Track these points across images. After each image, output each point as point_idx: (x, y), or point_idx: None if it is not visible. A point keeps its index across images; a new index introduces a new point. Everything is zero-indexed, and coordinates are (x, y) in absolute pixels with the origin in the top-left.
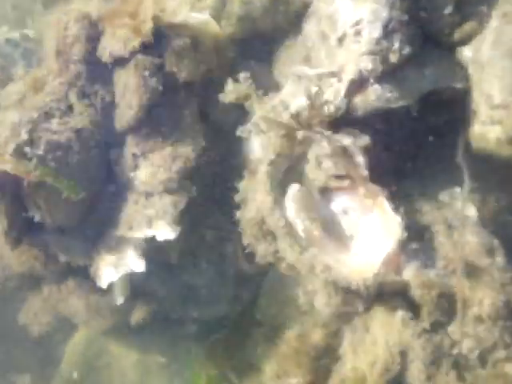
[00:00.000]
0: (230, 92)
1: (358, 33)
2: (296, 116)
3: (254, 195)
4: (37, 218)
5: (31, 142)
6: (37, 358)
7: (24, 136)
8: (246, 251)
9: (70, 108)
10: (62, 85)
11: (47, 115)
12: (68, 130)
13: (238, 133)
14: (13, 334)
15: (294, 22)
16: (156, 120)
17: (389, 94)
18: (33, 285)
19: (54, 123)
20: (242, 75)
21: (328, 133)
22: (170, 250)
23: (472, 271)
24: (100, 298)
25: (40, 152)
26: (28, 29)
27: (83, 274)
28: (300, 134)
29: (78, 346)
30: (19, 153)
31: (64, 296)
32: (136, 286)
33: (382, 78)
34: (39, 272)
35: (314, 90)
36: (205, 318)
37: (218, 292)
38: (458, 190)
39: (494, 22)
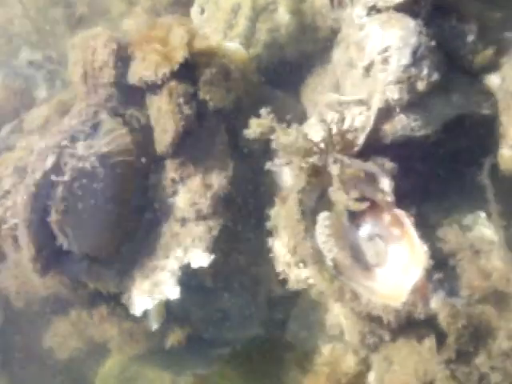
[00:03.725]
0: (254, 129)
1: (385, 60)
2: (314, 143)
3: (286, 223)
4: (65, 246)
5: (57, 169)
6: (68, 383)
7: (51, 162)
8: (279, 278)
9: (99, 130)
10: (89, 107)
11: (73, 139)
12: (93, 156)
13: (267, 167)
14: (40, 357)
15: (322, 49)
16: (190, 147)
17: (414, 124)
18: (58, 308)
19: (81, 148)
20: (263, 110)
21: (352, 159)
22: (204, 275)
23: (500, 299)
24: (134, 324)
25: (66, 179)
26: (50, 50)
27: (115, 300)
28: (321, 159)
29: (112, 370)
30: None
31: (96, 321)
32: (171, 310)
33: (408, 107)
34: (66, 296)
35: (333, 117)
36: (237, 340)
37: (251, 314)
38: (482, 214)
39: None
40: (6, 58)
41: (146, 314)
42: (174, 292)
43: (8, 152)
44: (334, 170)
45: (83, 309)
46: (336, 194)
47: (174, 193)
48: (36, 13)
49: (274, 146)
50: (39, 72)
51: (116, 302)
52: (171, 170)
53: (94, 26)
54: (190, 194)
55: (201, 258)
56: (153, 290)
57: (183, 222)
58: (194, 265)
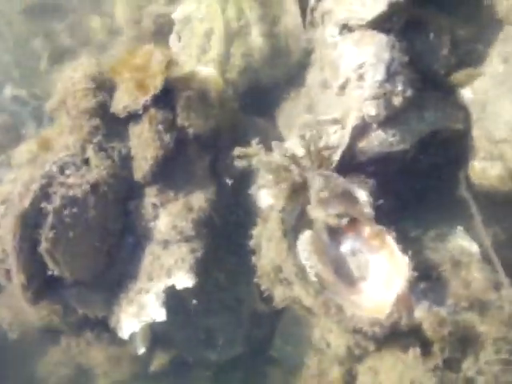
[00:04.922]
0: (241, 155)
1: (360, 77)
2: (293, 159)
3: (268, 242)
4: (56, 273)
5: (46, 197)
6: None
7: (39, 191)
8: (264, 295)
9: (86, 162)
10: (76, 141)
11: (62, 170)
12: (84, 183)
13: (250, 191)
14: None
15: (296, 72)
16: (170, 173)
17: (391, 139)
18: (52, 337)
19: (70, 178)
20: (254, 142)
21: (326, 171)
22: (187, 295)
23: (482, 307)
24: (119, 349)
25: (55, 207)
26: (33, 87)
27: (101, 326)
28: (298, 175)
29: None
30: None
31: (83, 348)
32: (155, 333)
33: (384, 123)
34: (57, 325)
35: (309, 134)
36: (221, 360)
37: (234, 334)
38: (459, 227)
39: (493, 62)
40: None
41: (132, 337)
42: (159, 314)
43: None
44: (314, 185)
45: (72, 336)
46: (315, 210)
47: (155, 217)
48: (15, 46)
49: (255, 164)
50: (25, 108)
51: (102, 327)
52: (151, 196)
53: (77, 58)
54: (171, 217)
55: (185, 280)
56: (139, 312)
57: (165, 244)
58: (178, 286)
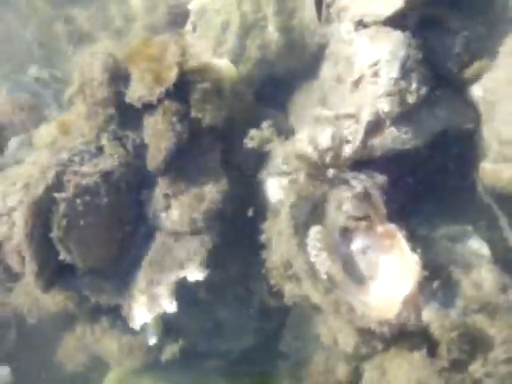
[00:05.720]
0: (253, 138)
1: (375, 73)
2: (321, 156)
3: (278, 237)
4: (68, 261)
5: (60, 185)
6: None
7: (53, 179)
8: (273, 290)
9: (100, 150)
10: (91, 129)
11: (76, 158)
12: (97, 172)
13: (260, 176)
14: (49, 373)
15: (309, 66)
16: (183, 163)
17: (404, 136)
18: (68, 324)
19: (84, 166)
20: (264, 123)
21: (347, 174)
22: (198, 287)
23: (491, 309)
24: (132, 338)
25: (68, 196)
26: (56, 69)
27: (115, 313)
28: (323, 175)
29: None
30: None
31: (98, 336)
32: (166, 323)
33: (398, 120)
34: (72, 311)
35: (335, 131)
36: (231, 351)
37: (244, 326)
38: (469, 228)
39: (503, 60)
40: (14, 74)
41: (143, 328)
42: (171, 305)
43: (16, 166)
44: (338, 191)
45: (87, 323)
46: (334, 213)
47: (167, 207)
48: (40, 29)
49: (271, 156)
50: (47, 91)
51: (116, 315)
52: (164, 186)
53: (96, 43)
54: (182, 208)
55: (196, 272)
56: (150, 303)
57: (177, 236)
58: (190, 279)
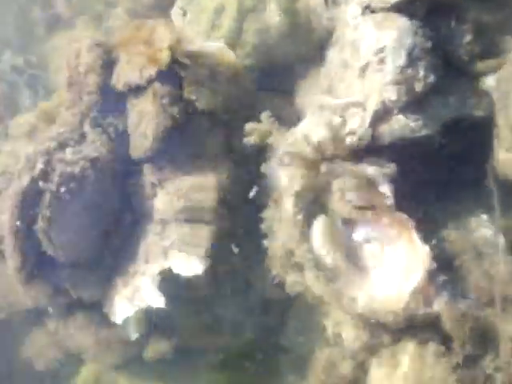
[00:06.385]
0: (251, 133)
1: (381, 60)
2: (318, 148)
3: (280, 226)
4: (49, 253)
5: (45, 175)
6: None
7: (39, 169)
8: (275, 281)
9: (84, 138)
10: (75, 116)
11: (61, 146)
12: (82, 160)
13: (263, 170)
14: (18, 368)
15: (316, 50)
16: (175, 149)
17: (412, 124)
18: (36, 319)
19: (68, 154)
20: (264, 115)
21: (351, 165)
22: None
23: (504, 302)
24: (110, 332)
25: (53, 186)
26: (30, 54)
27: (91, 309)
28: (323, 167)
29: (87, 381)
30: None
31: (71, 331)
32: (155, 318)
33: (405, 108)
34: (43, 306)
35: (337, 120)
36: (230, 347)
37: (243, 319)
38: (484, 216)
39: None
40: None
41: (125, 322)
42: (155, 298)
43: None
44: (340, 181)
45: (60, 318)
46: (338, 204)
47: (155, 195)
48: (17, 14)
49: (275, 147)
50: (21, 77)
51: (94, 310)
52: (149, 174)
53: (73, 28)
54: (170, 196)
55: (188, 263)
56: (133, 296)
57: (163, 224)
58: (188, 272)
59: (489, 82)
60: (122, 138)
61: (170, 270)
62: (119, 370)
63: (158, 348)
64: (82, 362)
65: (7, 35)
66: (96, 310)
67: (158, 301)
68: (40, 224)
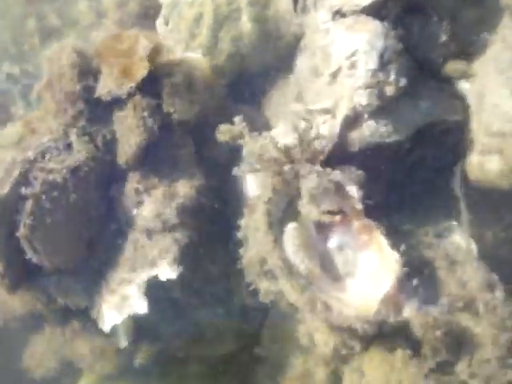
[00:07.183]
0: (224, 132)
1: (352, 65)
2: (286, 151)
3: (255, 233)
4: (34, 261)
5: (26, 183)
6: None
7: (18, 176)
8: (250, 288)
9: (69, 147)
10: (59, 125)
11: (43, 154)
12: (65, 168)
13: (234, 173)
14: (16, 377)
15: (285, 58)
16: (155, 159)
17: (383, 129)
18: (35, 326)
19: (51, 163)
20: (237, 119)
21: (319, 168)
22: (173, 287)
23: (476, 308)
24: (104, 340)
25: (35, 191)
26: (27, 63)
27: (86, 315)
28: (290, 170)
29: None
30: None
31: (68, 338)
32: (141, 326)
33: (376, 113)
34: (41, 312)
35: (304, 124)
36: (211, 356)
37: (224, 328)
38: (454, 223)
39: (492, 50)
40: None
41: (115, 330)
42: (141, 306)
43: None
44: (307, 183)
45: (57, 325)
46: (307, 207)
47: (139, 203)
48: (13, 24)
49: (243, 153)
50: (16, 86)
51: (87, 317)
52: (135, 182)
53: (66, 38)
54: (154, 204)
55: (169, 271)
56: (121, 304)
57: (149, 233)
58: (162, 277)
59: (464, 84)
60: (108, 147)
61: (158, 278)
62: (113, 378)
63: (145, 355)
64: (80, 372)
65: (7, 47)
66: (89, 316)
67: (144, 307)
68: (22, 231)
